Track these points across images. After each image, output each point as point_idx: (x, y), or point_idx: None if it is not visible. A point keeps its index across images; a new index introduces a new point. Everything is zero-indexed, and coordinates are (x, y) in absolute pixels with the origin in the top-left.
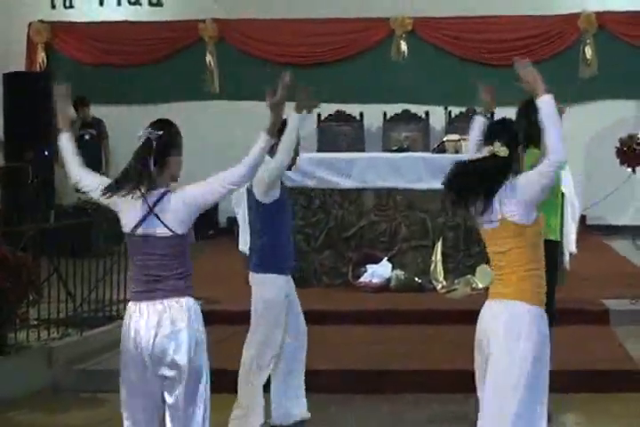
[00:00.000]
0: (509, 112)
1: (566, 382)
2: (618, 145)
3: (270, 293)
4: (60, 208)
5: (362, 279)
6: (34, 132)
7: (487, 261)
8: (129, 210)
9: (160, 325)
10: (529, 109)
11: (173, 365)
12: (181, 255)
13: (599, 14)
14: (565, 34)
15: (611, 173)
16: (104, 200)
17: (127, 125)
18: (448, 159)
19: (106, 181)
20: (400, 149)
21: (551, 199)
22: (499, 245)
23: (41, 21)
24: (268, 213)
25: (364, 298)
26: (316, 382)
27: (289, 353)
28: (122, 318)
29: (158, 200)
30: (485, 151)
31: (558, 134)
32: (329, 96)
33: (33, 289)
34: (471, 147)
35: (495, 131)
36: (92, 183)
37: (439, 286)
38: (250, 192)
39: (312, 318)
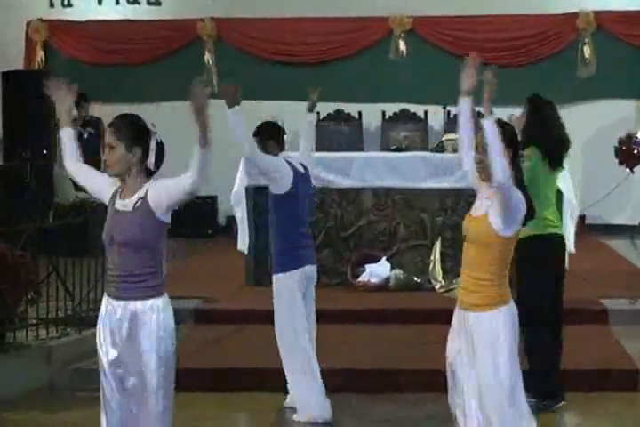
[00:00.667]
0: (506, 112)
1: (564, 382)
2: (616, 145)
3: None
4: (58, 207)
5: (361, 279)
6: (32, 131)
7: None
8: None
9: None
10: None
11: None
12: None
13: (598, 14)
14: (564, 33)
15: (609, 172)
16: None
17: None
18: (447, 159)
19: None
20: (399, 149)
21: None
22: None
23: (39, 20)
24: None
25: (363, 297)
26: None
27: None
28: None
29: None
30: None
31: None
32: (328, 95)
33: (32, 288)
34: (463, 133)
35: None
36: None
37: (438, 286)
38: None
39: None
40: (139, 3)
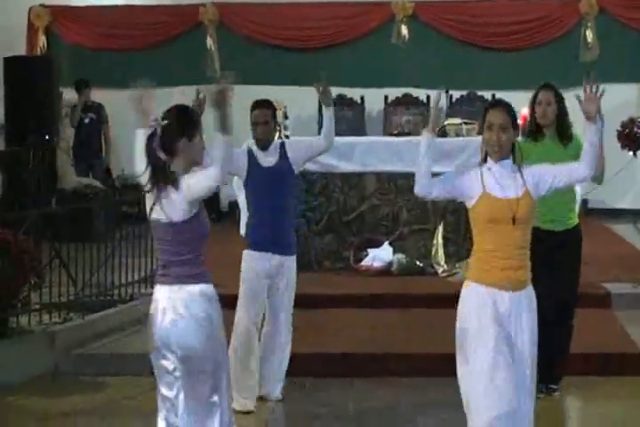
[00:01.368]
0: (509, 96)
1: (567, 366)
2: (619, 128)
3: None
4: (61, 193)
5: (363, 263)
6: (35, 117)
7: None
8: (149, 198)
9: (165, 311)
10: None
11: (174, 351)
12: (186, 243)
13: None
14: (566, 17)
15: (612, 156)
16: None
17: (127, 110)
18: (449, 143)
19: None
20: (401, 133)
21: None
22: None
23: (41, 5)
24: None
25: (366, 282)
26: (316, 366)
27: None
28: (123, 303)
29: (165, 188)
30: None
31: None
32: (330, 80)
33: (35, 273)
34: (425, 175)
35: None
36: None
37: (440, 270)
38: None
39: (313, 301)
40: None
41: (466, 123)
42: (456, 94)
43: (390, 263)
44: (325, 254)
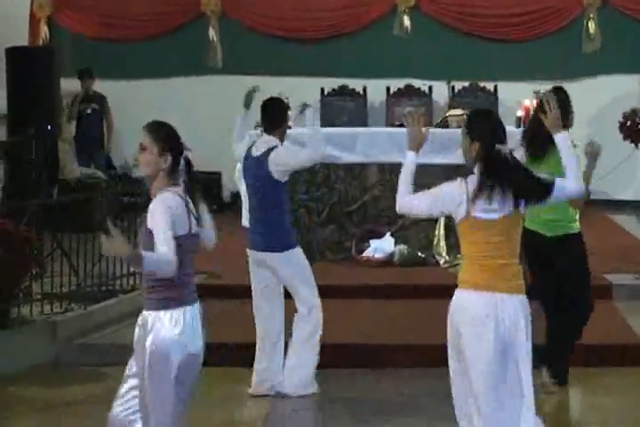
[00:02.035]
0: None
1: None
2: (621, 120)
3: None
4: (62, 183)
5: (365, 254)
6: (37, 107)
7: None
8: None
9: None
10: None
11: None
12: None
13: None
14: (569, 8)
15: (614, 147)
16: None
17: (129, 100)
18: (451, 134)
19: None
20: (403, 124)
21: None
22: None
23: None
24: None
25: (367, 273)
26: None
27: None
28: (124, 293)
29: None
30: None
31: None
32: (332, 71)
33: (36, 264)
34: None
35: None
36: None
37: (442, 261)
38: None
39: None
40: None
41: (468, 114)
42: (458, 85)
43: (392, 254)
44: (327, 245)
